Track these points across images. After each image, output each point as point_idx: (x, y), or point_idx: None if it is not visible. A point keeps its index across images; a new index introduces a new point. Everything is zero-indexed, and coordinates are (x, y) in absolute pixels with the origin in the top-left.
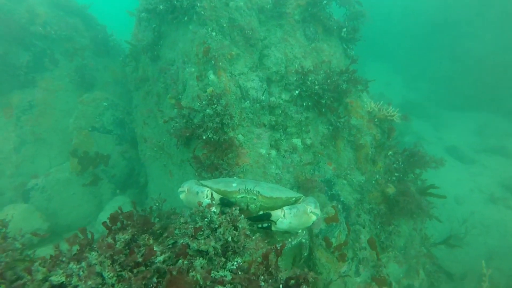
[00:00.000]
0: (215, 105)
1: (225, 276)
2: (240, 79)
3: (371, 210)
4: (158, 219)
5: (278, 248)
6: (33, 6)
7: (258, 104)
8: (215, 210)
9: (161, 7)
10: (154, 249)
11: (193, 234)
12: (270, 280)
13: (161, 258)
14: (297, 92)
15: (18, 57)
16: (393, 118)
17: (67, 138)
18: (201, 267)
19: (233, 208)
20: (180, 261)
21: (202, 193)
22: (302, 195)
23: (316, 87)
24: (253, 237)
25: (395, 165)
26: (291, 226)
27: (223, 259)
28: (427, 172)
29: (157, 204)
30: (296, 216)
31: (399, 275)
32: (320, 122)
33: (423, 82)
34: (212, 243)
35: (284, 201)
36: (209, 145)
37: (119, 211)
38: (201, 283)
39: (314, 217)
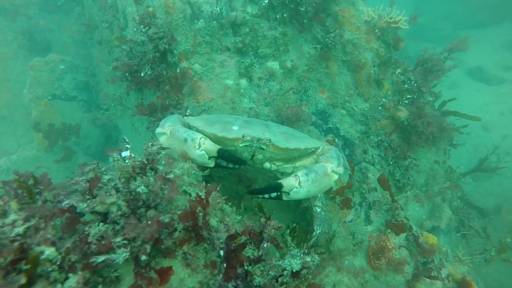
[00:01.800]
0: (146, 28)
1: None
2: None
3: (380, 143)
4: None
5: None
6: None
7: (215, 22)
8: (127, 154)
9: None
10: (11, 217)
11: (88, 190)
12: (204, 245)
13: (19, 229)
14: (266, 1)
15: None
16: (398, 25)
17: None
18: (100, 237)
19: (150, 143)
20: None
21: (193, 141)
22: (321, 143)
23: None
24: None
25: (406, 86)
26: (309, 194)
27: (133, 222)
28: (445, 98)
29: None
30: (315, 182)
31: (421, 216)
32: (304, 41)
33: (435, 1)
34: (110, 200)
35: (301, 152)
36: (150, 82)
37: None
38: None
39: (335, 177)
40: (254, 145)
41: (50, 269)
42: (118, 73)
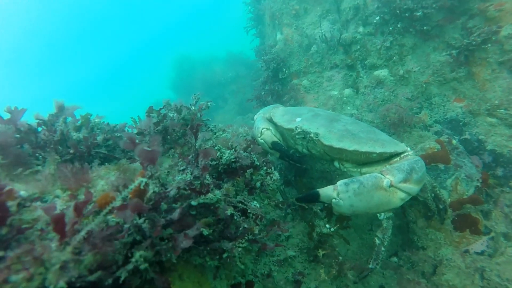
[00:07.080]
0: (265, 55)
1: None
2: (307, 29)
3: None
4: None
5: None
6: (214, 67)
7: (324, 44)
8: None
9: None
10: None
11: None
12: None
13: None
14: (377, 18)
15: None
16: None
17: None
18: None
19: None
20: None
21: (257, 129)
22: (406, 149)
23: (409, 1)
24: None
25: None
26: (355, 210)
27: None
28: None
29: None
30: (359, 195)
31: None
32: (432, 49)
33: None
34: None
35: (358, 155)
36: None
37: None
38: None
39: (401, 194)
40: (306, 137)
41: None
42: (254, 101)
